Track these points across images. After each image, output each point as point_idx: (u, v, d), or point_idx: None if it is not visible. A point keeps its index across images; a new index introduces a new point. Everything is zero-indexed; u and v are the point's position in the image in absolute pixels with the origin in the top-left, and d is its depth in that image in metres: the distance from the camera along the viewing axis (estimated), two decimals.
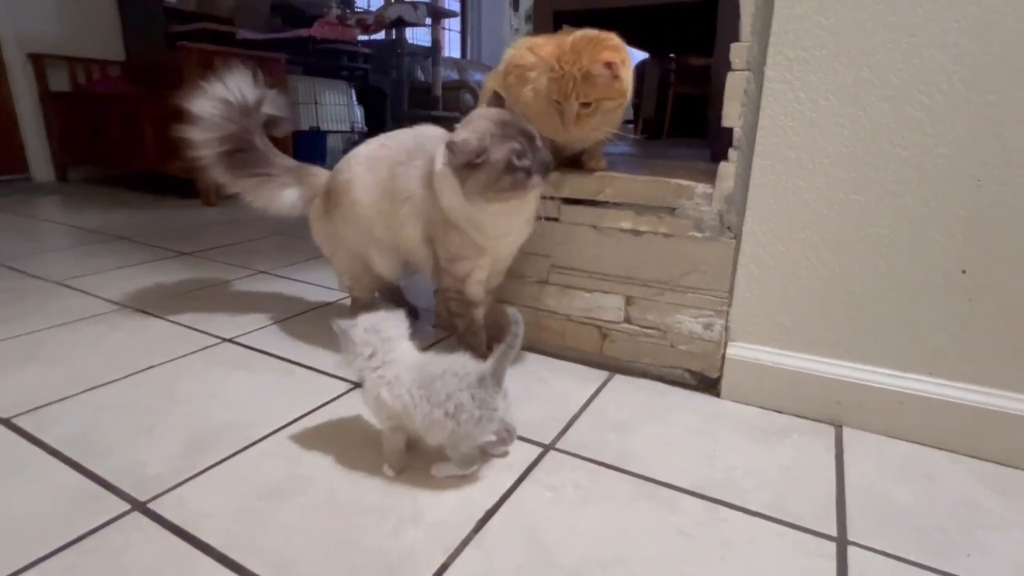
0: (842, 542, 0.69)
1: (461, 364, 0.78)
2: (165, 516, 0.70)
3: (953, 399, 0.87)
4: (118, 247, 1.99)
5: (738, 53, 0.91)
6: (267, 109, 1.29)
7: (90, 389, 1.01)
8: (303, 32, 3.19)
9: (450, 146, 0.88)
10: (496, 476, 0.80)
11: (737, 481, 0.80)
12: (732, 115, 0.94)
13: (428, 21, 3.98)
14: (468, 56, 6.87)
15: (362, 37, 3.79)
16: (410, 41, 4.72)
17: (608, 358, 1.14)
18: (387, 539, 0.68)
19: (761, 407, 1.00)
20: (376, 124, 4.01)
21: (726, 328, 1.01)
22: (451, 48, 6.80)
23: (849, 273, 0.91)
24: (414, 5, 3.85)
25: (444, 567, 0.64)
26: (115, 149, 3.18)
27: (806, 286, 0.94)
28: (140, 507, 0.72)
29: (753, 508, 0.74)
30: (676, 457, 0.85)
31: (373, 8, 4.67)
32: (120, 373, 1.07)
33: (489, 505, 0.74)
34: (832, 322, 0.93)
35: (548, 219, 1.13)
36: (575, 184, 1.08)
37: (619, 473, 0.81)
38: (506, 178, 0.89)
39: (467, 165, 0.89)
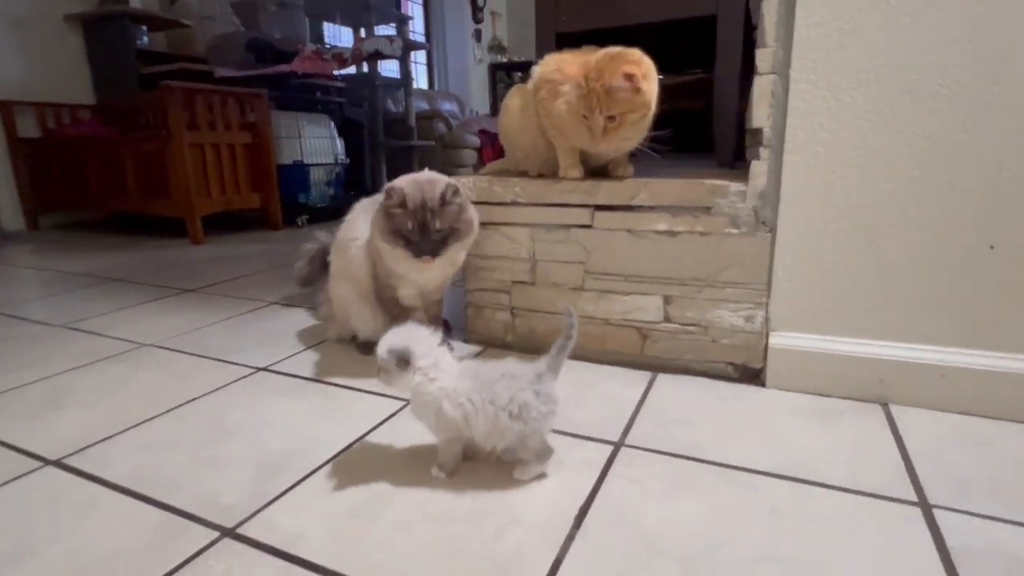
0: (926, 507, 0.72)
1: (515, 367, 0.80)
2: (260, 540, 0.69)
3: (992, 368, 0.92)
4: (114, 289, 1.93)
5: (763, 58, 0.97)
6: None
7: (135, 426, 0.98)
8: (283, 67, 3.19)
9: (388, 189, 1.07)
10: (577, 475, 0.81)
11: (809, 461, 0.82)
12: (761, 116, 0.99)
13: (400, 53, 4.04)
14: (435, 87, 6.98)
15: (339, 72, 3.83)
16: (381, 74, 4.78)
17: (650, 358, 1.16)
18: (492, 543, 0.67)
19: (807, 392, 1.03)
20: (355, 155, 4.01)
21: (767, 319, 1.05)
22: (418, 80, 6.89)
23: (883, 256, 0.96)
24: (389, 39, 3.91)
25: (558, 562, 0.64)
26: (93, 192, 3.11)
27: (842, 272, 0.99)
28: (230, 533, 0.70)
29: (834, 483, 0.77)
30: (743, 444, 0.88)
31: (341, 44, 4.72)
32: (161, 409, 1.04)
33: (581, 502, 0.74)
34: (870, 304, 0.98)
35: (581, 227, 1.16)
36: (609, 191, 1.11)
37: (696, 463, 0.83)
38: (393, 237, 1.09)
39: (388, 209, 1.08)
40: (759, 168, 1.00)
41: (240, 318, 1.57)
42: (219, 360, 1.26)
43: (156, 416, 1.01)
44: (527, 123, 1.20)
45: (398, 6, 5.13)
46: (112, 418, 1.00)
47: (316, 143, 3.46)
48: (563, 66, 1.08)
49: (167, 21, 3.66)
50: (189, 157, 2.75)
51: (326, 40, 4.84)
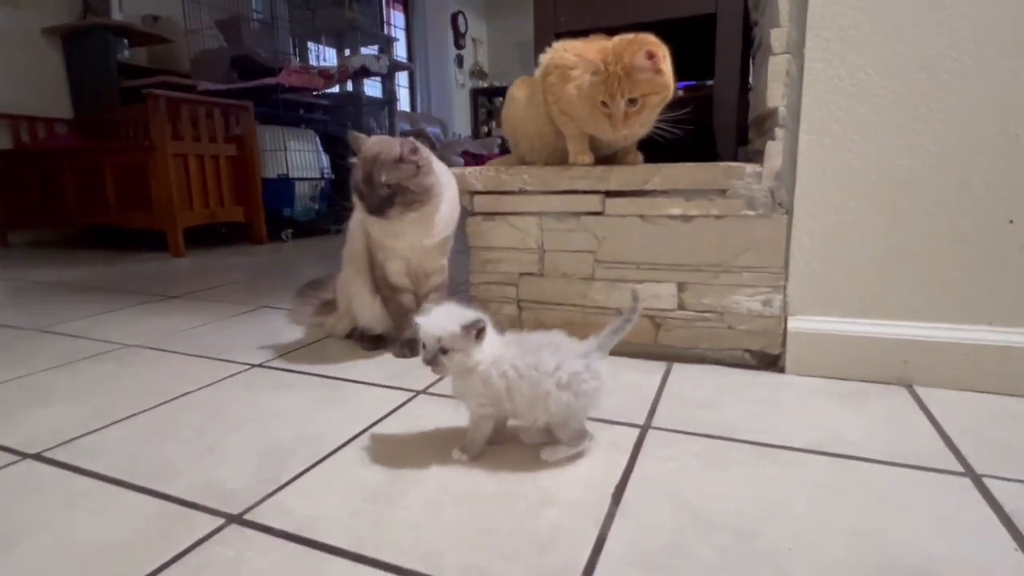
0: (975, 476, 0.69)
1: (560, 338, 0.76)
2: (271, 525, 0.63)
3: (1017, 345, 0.91)
4: (92, 296, 1.84)
5: (778, 38, 0.98)
6: None
7: (124, 419, 0.90)
8: (270, 80, 3.16)
9: (352, 138, 1.08)
10: (605, 456, 0.76)
11: (845, 438, 0.79)
12: (776, 95, 0.99)
13: (387, 71, 4.06)
14: (418, 110, 7.02)
15: (324, 91, 3.82)
16: (366, 93, 4.79)
17: (664, 347, 1.13)
18: (527, 521, 0.62)
19: (827, 377, 1.01)
20: (340, 173, 3.98)
21: (785, 303, 1.03)
22: (401, 103, 6.92)
23: (902, 235, 0.95)
24: (376, 56, 3.93)
25: (602, 538, 0.59)
26: (69, 206, 3.00)
27: (861, 252, 0.98)
28: (237, 519, 0.64)
29: (876, 458, 0.74)
30: (774, 425, 0.84)
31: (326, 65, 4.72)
32: (152, 403, 0.97)
33: (616, 481, 0.70)
34: (890, 284, 0.97)
35: (591, 214, 1.14)
36: (621, 176, 1.10)
37: (729, 442, 0.79)
38: (353, 188, 1.09)
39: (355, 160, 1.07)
40: (774, 148, 1.00)
41: (229, 320, 1.50)
42: (211, 358, 1.19)
43: (147, 409, 0.94)
44: (533, 112, 1.19)
45: (382, 27, 5.17)
46: (99, 412, 0.93)
47: (301, 157, 3.42)
48: (580, 52, 1.07)
49: (150, 36, 3.62)
50: (172, 168, 2.68)
51: (311, 61, 4.84)
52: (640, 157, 1.17)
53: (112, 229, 3.08)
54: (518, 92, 1.24)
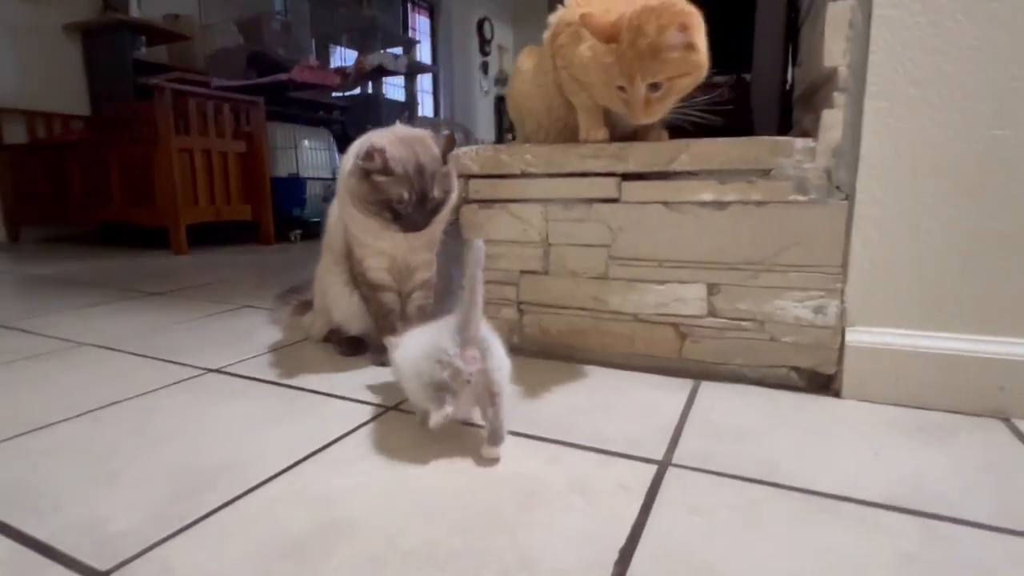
0: None
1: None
2: None
3: None
4: (75, 291, 1.72)
5: None
6: None
7: (30, 432, 0.75)
8: (282, 76, 3.07)
9: (370, 151, 0.87)
10: (612, 502, 0.58)
11: (935, 488, 0.59)
12: (836, 52, 0.80)
13: (405, 70, 3.95)
14: (441, 115, 6.93)
15: (339, 94, 3.72)
16: (387, 97, 4.70)
17: (690, 362, 0.94)
18: None
19: (897, 404, 0.80)
20: None
21: (842, 310, 0.83)
22: (423, 108, 6.85)
23: (998, 225, 0.75)
24: (394, 56, 3.82)
25: None
26: (76, 201, 2.93)
27: (943, 247, 0.78)
28: None
29: (983, 521, 0.54)
30: (835, 466, 0.65)
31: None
32: (73, 412, 0.81)
33: (621, 541, 0.51)
34: (982, 288, 0.77)
35: (605, 201, 0.96)
36: (641, 154, 0.91)
37: (776, 489, 0.60)
38: (377, 208, 0.90)
39: (371, 175, 0.88)
40: (833, 118, 0.81)
41: (205, 320, 1.36)
42: (165, 360, 1.04)
43: (63, 420, 0.79)
44: (542, 82, 1.01)
45: (405, 29, 5.09)
46: (7, 422, 0.78)
47: (314, 155, 3.31)
48: (593, 7, 0.90)
49: (168, 34, 3.57)
50: (177, 162, 2.58)
51: (333, 63, 4.77)
52: (665, 135, 0.99)
53: (121, 226, 3.01)
54: (525, 63, 1.07)
